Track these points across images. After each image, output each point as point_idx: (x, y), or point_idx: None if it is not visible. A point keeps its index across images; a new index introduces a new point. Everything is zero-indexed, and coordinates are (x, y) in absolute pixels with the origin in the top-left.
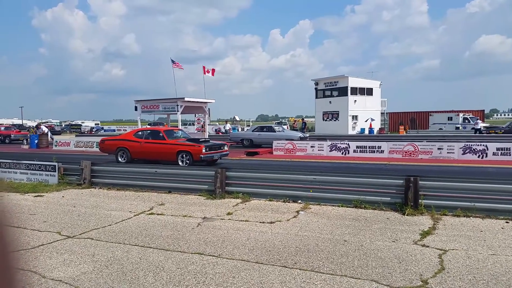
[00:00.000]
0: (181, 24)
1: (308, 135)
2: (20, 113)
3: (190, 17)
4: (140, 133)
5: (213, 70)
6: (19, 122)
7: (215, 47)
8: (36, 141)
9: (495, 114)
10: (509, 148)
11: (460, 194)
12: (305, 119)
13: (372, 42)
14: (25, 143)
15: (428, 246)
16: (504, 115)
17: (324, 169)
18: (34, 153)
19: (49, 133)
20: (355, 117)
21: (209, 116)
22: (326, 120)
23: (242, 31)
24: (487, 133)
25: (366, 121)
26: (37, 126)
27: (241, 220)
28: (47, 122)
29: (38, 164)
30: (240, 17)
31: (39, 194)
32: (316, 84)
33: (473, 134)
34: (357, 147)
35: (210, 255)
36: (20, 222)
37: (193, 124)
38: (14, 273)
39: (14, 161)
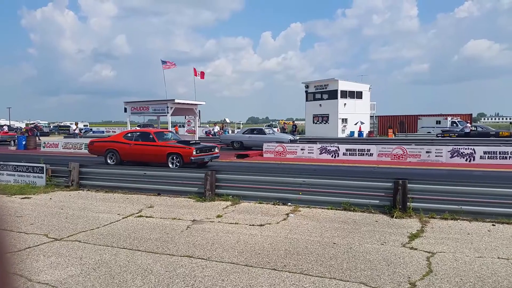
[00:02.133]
0: (173, 26)
1: (298, 137)
2: (8, 113)
3: (182, 18)
4: (129, 134)
5: (202, 73)
6: (6, 123)
7: (206, 49)
8: (23, 142)
9: (483, 118)
10: (496, 151)
11: (448, 197)
12: (295, 122)
13: (362, 46)
14: (13, 144)
15: (416, 249)
16: (491, 119)
17: (314, 171)
18: (22, 155)
19: (78, 134)
20: (344, 120)
21: (199, 118)
22: (316, 123)
23: (234, 33)
24: (442, 137)
25: (355, 124)
26: (36, 127)
27: (230, 223)
28: (36, 123)
29: (25, 166)
30: (232, 19)
31: (26, 196)
32: (307, 87)
33: (442, 138)
34: (347, 150)
35: (199, 258)
36: (7, 225)
37: (183, 126)
38: (8, 274)
39: (1, 163)
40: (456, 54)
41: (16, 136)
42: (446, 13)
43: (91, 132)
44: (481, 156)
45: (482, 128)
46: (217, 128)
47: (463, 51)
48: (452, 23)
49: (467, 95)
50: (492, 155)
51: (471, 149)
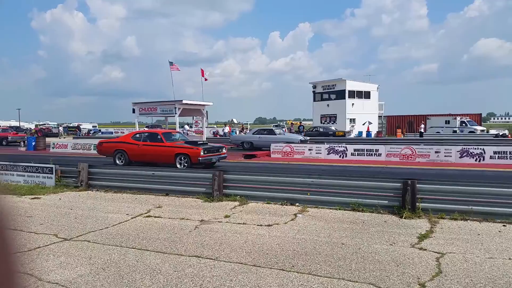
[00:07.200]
0: (181, 27)
1: (308, 138)
2: (18, 115)
3: (191, 19)
4: (138, 135)
5: (202, 71)
6: (16, 124)
7: (215, 50)
8: (33, 143)
9: (492, 118)
10: (506, 151)
11: (458, 197)
12: (302, 122)
13: (371, 46)
14: (22, 145)
15: (425, 250)
16: (501, 118)
17: (322, 172)
18: (31, 155)
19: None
20: (352, 120)
21: (206, 118)
22: (324, 123)
23: (243, 33)
24: (333, 136)
25: (363, 124)
26: (77, 127)
27: (238, 223)
28: (45, 124)
29: (35, 166)
30: (241, 20)
31: (36, 196)
32: (314, 87)
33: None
34: (355, 150)
35: (207, 258)
36: (17, 225)
37: (191, 127)
38: (15, 275)
39: (11, 163)
40: (466, 54)
41: (26, 137)
42: (456, 12)
43: (100, 133)
44: (491, 156)
45: (323, 129)
46: (226, 129)
47: (473, 50)
48: (462, 22)
49: (477, 95)
50: (503, 155)
51: (480, 149)
